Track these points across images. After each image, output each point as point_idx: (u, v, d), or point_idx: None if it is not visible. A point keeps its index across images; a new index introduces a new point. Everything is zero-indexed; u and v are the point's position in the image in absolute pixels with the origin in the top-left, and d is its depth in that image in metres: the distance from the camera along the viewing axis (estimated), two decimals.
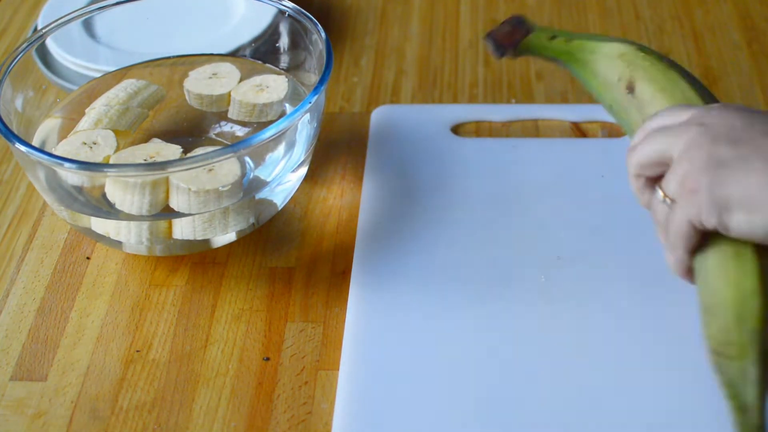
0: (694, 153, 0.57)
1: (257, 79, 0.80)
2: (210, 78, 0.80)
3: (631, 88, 0.68)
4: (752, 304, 0.55)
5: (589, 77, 0.71)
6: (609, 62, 0.69)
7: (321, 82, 0.72)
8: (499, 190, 0.79)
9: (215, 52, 0.85)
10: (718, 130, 0.57)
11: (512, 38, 0.72)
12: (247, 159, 0.75)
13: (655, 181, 0.61)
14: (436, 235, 0.76)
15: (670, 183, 0.58)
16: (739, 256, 0.56)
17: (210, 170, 0.70)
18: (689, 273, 0.60)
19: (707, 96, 0.66)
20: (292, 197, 0.78)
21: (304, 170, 0.77)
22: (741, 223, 0.55)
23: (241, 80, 0.80)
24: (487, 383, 0.65)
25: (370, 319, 0.70)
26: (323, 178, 0.82)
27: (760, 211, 0.54)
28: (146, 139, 0.78)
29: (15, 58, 0.76)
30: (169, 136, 0.79)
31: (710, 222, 0.56)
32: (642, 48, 0.69)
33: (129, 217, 0.70)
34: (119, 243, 0.72)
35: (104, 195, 0.71)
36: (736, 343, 0.55)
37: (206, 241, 0.73)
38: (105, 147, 0.73)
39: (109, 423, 0.65)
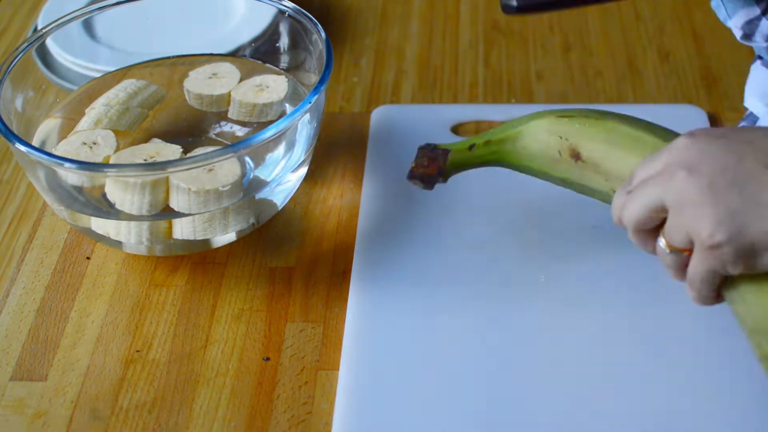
0: (697, 205, 0.55)
1: (257, 79, 0.80)
2: (210, 78, 0.80)
3: (576, 156, 0.65)
4: None
5: (528, 164, 0.68)
6: (539, 142, 0.66)
7: (321, 82, 0.72)
8: (499, 191, 0.79)
9: (215, 52, 0.85)
10: (711, 175, 0.55)
11: (434, 168, 0.68)
12: (247, 159, 0.75)
13: (656, 230, 0.59)
14: (436, 235, 0.76)
15: (675, 235, 0.56)
16: None
17: (210, 170, 0.70)
18: (715, 302, 0.59)
19: (651, 128, 0.64)
20: (292, 197, 0.78)
21: (304, 170, 0.77)
22: None
23: (241, 80, 0.80)
24: (487, 383, 0.65)
25: (370, 319, 0.70)
26: (323, 178, 0.82)
27: None
28: (146, 139, 0.78)
29: (15, 58, 0.76)
30: (169, 136, 0.79)
31: (737, 270, 0.55)
32: (562, 113, 0.66)
33: (129, 217, 0.70)
34: (119, 243, 0.72)
35: (104, 195, 0.71)
36: None
37: (206, 241, 0.73)
38: (105, 147, 0.73)
39: (109, 423, 0.65)
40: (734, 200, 0.54)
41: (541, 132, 0.66)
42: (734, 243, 0.54)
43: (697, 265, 0.56)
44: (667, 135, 0.64)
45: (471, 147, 0.69)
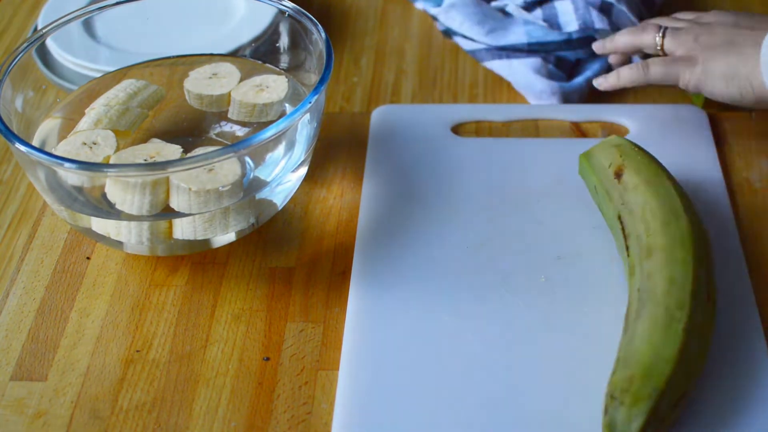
0: (698, 36, 0.78)
1: (257, 79, 0.80)
2: (210, 78, 0.80)
3: (618, 175, 0.72)
4: (664, 369, 0.60)
5: (584, 160, 0.76)
6: (605, 149, 0.74)
7: (321, 82, 0.72)
8: (499, 190, 0.79)
9: (215, 52, 0.85)
10: (713, 27, 0.79)
11: None
12: (248, 159, 0.75)
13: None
14: (436, 234, 0.76)
15: (670, 41, 0.80)
16: (668, 328, 0.61)
17: (210, 170, 0.70)
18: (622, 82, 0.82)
19: (686, 199, 0.70)
20: (292, 197, 0.78)
21: (304, 170, 0.77)
22: (720, 87, 0.76)
23: (241, 80, 0.80)
24: (487, 383, 0.65)
25: (370, 319, 0.70)
26: (323, 178, 0.82)
27: (735, 79, 0.75)
28: (146, 139, 0.78)
29: (15, 58, 0.76)
30: (169, 136, 0.79)
31: (698, 87, 0.78)
32: (637, 145, 0.74)
33: (129, 218, 0.70)
34: (119, 243, 0.72)
35: (104, 195, 0.71)
36: (634, 393, 0.59)
37: (206, 241, 0.73)
38: (105, 147, 0.73)
39: (109, 423, 0.65)
40: (719, 41, 0.77)
41: (611, 144, 0.74)
42: (705, 64, 0.77)
43: (669, 63, 0.79)
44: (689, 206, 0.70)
45: None
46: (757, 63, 0.74)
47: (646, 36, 0.82)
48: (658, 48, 0.81)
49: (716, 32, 0.78)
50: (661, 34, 0.81)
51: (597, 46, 0.86)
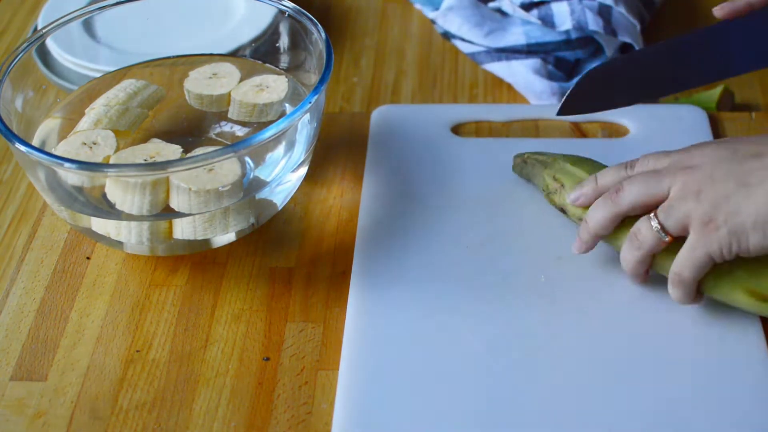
0: (698, 193, 0.63)
1: (257, 79, 0.80)
2: (210, 78, 0.80)
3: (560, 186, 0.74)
4: None
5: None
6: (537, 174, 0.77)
7: (321, 82, 0.72)
8: (499, 190, 0.79)
9: (215, 52, 0.85)
10: (711, 168, 0.64)
11: None
12: (247, 159, 0.75)
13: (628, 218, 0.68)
14: (436, 235, 0.76)
15: (670, 219, 0.65)
16: None
17: (210, 170, 0.70)
18: (696, 299, 0.67)
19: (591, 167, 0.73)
20: (292, 197, 0.78)
21: (304, 170, 0.77)
22: (758, 239, 0.62)
23: (241, 80, 0.80)
24: (487, 383, 0.65)
25: (370, 319, 0.70)
26: (323, 178, 0.82)
27: None
28: (146, 139, 0.78)
29: (15, 58, 0.76)
30: (169, 136, 0.79)
31: (731, 252, 0.63)
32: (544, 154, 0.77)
33: (129, 218, 0.70)
34: (120, 243, 0.72)
35: (104, 195, 0.71)
36: None
37: (206, 241, 0.73)
38: (105, 147, 0.73)
39: (109, 423, 0.65)
40: (729, 187, 0.62)
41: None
42: (729, 223, 0.62)
43: (691, 249, 0.64)
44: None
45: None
46: None
47: (643, 235, 0.66)
48: (662, 236, 0.65)
49: (717, 177, 0.63)
50: (656, 222, 0.65)
51: (576, 247, 0.71)
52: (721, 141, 0.67)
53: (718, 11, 0.72)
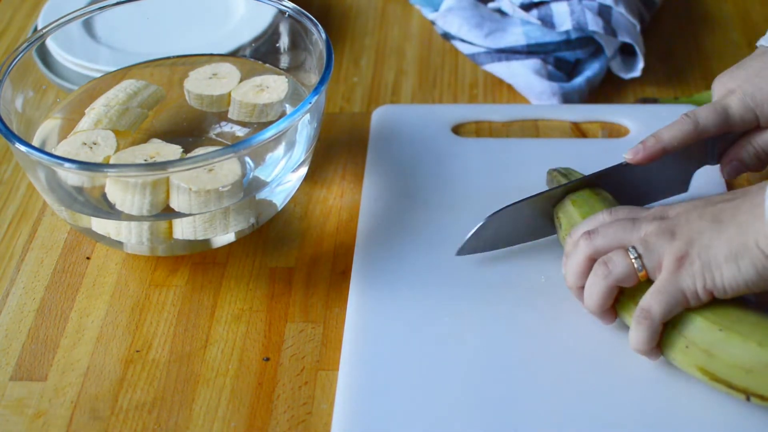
0: (674, 234, 0.63)
1: (257, 80, 0.80)
2: (210, 78, 0.80)
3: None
4: None
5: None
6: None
7: (321, 82, 0.72)
8: (499, 190, 0.79)
9: (215, 52, 0.85)
10: (685, 215, 0.64)
11: None
12: (248, 159, 0.75)
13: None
14: (436, 234, 0.76)
15: (646, 252, 0.64)
16: None
17: (210, 170, 0.70)
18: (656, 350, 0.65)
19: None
20: (292, 197, 0.78)
21: (304, 170, 0.77)
22: (732, 273, 0.61)
23: (241, 80, 0.80)
24: (487, 383, 0.65)
25: (370, 319, 0.70)
26: (323, 178, 0.82)
27: (744, 255, 0.60)
28: (146, 139, 0.78)
29: (15, 58, 0.76)
30: (169, 136, 0.79)
31: (706, 288, 0.62)
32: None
33: (129, 218, 0.70)
34: (120, 243, 0.72)
35: (104, 195, 0.71)
36: None
37: (206, 241, 0.73)
38: (105, 147, 0.73)
39: (109, 423, 0.66)
40: (703, 224, 0.63)
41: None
42: (703, 257, 0.61)
43: (664, 283, 0.62)
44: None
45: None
46: (762, 224, 0.60)
47: (614, 263, 0.64)
48: (638, 266, 0.64)
49: (691, 219, 0.63)
50: (634, 252, 0.64)
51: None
52: (692, 201, 0.66)
53: (631, 157, 0.71)
